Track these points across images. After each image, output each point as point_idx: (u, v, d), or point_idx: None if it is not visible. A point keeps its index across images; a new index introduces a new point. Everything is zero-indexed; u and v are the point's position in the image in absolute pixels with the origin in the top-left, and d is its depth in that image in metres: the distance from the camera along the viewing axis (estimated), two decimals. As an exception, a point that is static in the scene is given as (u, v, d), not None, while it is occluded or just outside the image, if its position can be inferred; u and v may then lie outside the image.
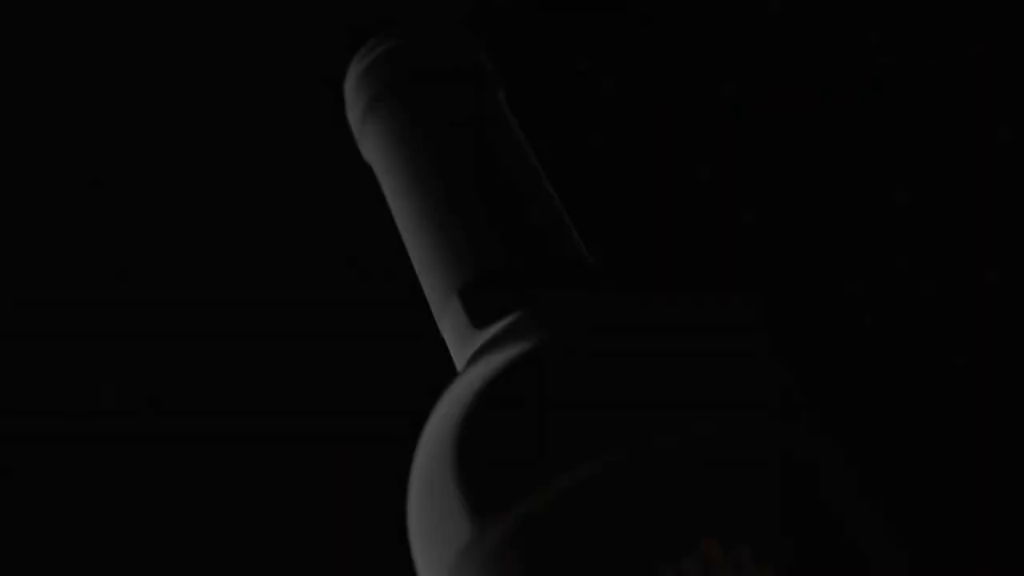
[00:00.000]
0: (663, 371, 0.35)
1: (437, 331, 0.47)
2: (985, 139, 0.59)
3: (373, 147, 0.44)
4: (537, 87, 0.57)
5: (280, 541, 0.54)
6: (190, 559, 0.55)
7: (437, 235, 0.40)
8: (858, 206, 0.58)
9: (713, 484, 0.33)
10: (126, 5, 0.64)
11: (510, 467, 0.34)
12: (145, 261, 0.60)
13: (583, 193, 0.47)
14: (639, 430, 0.33)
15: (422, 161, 0.41)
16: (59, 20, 0.63)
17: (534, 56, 0.59)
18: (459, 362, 0.40)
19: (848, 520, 0.34)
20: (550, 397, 0.34)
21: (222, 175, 0.62)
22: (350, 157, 0.51)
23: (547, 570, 0.33)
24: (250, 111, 0.62)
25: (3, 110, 0.63)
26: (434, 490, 0.35)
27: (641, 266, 0.55)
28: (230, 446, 0.56)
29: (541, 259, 0.40)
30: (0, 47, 0.64)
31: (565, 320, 0.37)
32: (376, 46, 0.44)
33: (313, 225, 0.60)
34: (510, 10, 0.59)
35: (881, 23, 0.61)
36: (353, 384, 0.55)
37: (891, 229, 0.57)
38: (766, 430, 0.34)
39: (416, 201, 0.41)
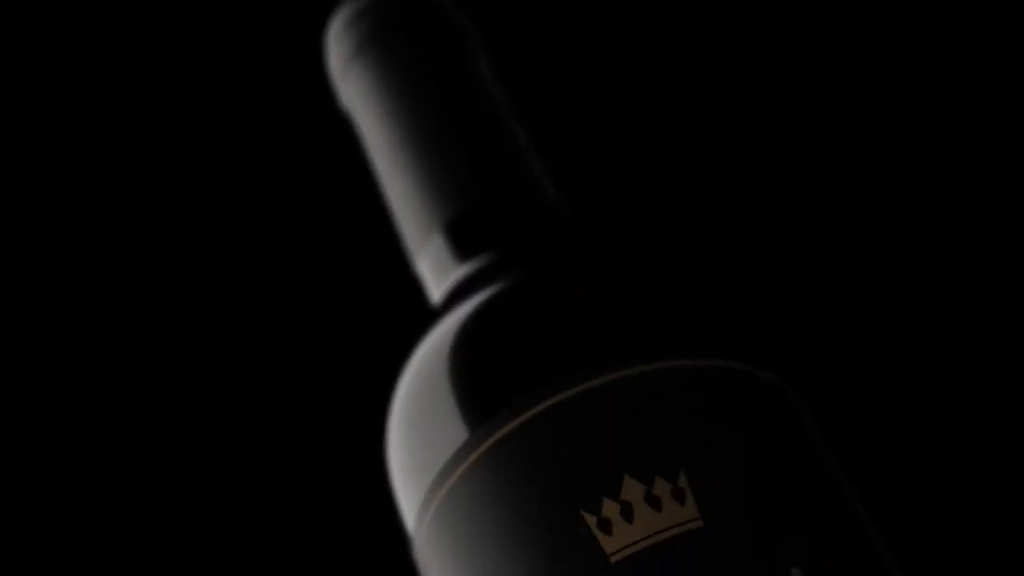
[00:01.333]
0: (606, 314, 0.37)
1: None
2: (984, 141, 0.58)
3: (354, 93, 0.46)
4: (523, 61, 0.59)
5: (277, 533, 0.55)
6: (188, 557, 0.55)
7: (420, 176, 0.43)
8: (854, 202, 0.58)
9: (635, 424, 0.34)
10: None
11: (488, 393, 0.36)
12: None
13: (564, 156, 0.50)
14: (581, 372, 0.35)
15: (406, 106, 0.44)
16: None
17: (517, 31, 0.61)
18: (436, 294, 0.43)
19: (778, 461, 0.35)
20: (513, 335, 0.37)
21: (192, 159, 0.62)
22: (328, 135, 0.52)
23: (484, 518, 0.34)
24: (237, 96, 0.63)
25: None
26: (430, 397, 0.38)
27: (614, 217, 0.57)
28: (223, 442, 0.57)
29: (517, 203, 0.43)
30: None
31: (529, 262, 0.41)
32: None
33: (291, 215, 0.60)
34: None
35: (884, 17, 0.61)
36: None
37: (889, 227, 0.57)
38: (702, 371, 0.36)
39: (399, 144, 0.44)
